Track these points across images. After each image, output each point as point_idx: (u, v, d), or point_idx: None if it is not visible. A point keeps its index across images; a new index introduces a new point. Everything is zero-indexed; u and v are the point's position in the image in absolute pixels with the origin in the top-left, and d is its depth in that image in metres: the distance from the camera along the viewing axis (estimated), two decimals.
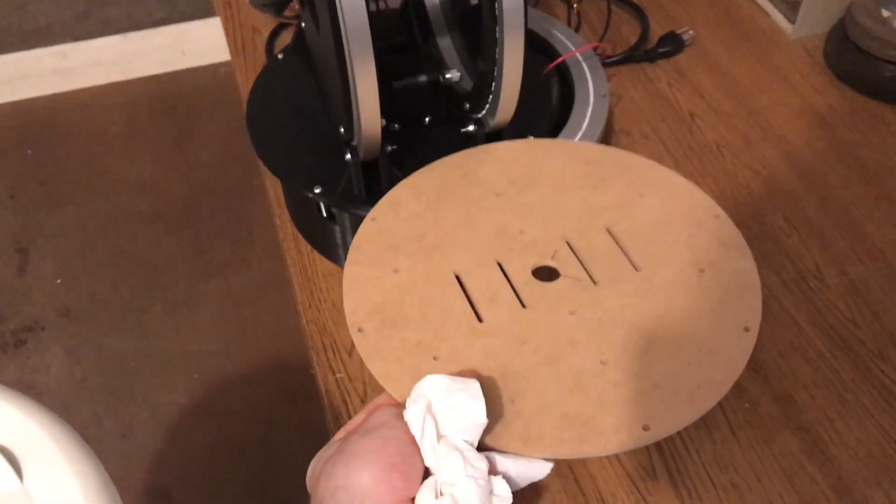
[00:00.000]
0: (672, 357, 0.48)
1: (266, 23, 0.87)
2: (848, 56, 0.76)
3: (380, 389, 0.49)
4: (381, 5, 0.66)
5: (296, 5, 0.70)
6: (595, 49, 0.75)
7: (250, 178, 1.70)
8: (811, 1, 0.79)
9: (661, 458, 0.52)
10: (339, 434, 0.46)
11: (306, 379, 1.34)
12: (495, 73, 0.57)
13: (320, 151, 0.65)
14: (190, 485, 1.28)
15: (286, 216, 0.69)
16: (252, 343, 1.45)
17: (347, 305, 0.52)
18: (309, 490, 0.44)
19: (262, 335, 1.46)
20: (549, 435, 0.45)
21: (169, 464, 1.30)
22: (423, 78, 0.64)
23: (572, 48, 0.74)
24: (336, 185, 0.62)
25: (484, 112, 0.61)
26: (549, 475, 0.45)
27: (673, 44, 0.80)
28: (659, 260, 0.53)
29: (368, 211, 0.58)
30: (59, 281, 1.57)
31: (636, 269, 0.53)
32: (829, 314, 0.59)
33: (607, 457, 0.52)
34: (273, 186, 0.71)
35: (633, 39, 0.82)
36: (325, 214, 0.65)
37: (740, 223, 0.56)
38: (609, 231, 0.55)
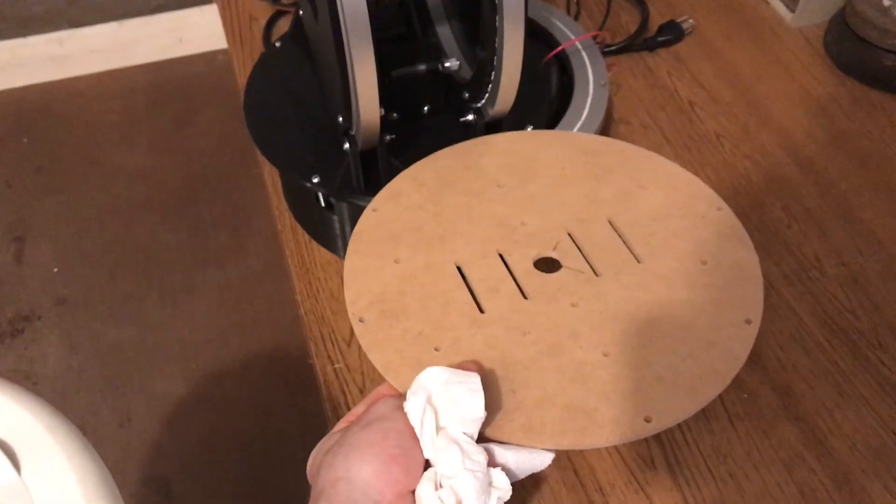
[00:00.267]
0: (673, 349, 0.48)
1: (263, 10, 0.86)
2: (848, 45, 0.75)
3: (379, 380, 0.49)
4: None
5: None
6: (595, 38, 0.75)
7: (248, 167, 1.69)
8: None
9: (659, 448, 0.52)
10: (340, 425, 0.46)
11: (304, 369, 1.34)
12: (495, 63, 0.56)
13: (318, 141, 0.65)
14: (188, 474, 1.28)
15: (284, 206, 0.69)
16: (250, 332, 1.45)
17: (348, 296, 0.51)
18: (309, 481, 0.44)
19: (259, 325, 1.46)
20: (551, 426, 0.45)
21: (167, 453, 1.30)
22: (421, 67, 0.64)
23: (572, 37, 0.74)
24: (334, 175, 0.62)
25: (483, 101, 0.60)
26: (548, 467, 0.45)
27: (673, 33, 0.80)
28: (660, 251, 0.53)
29: (367, 201, 0.57)
30: (55, 270, 1.57)
31: (638, 260, 0.53)
32: (828, 305, 0.59)
33: (606, 448, 0.52)
34: (271, 176, 0.71)
35: (633, 28, 0.81)
36: (322, 204, 0.64)
37: (739, 213, 0.56)
38: (610, 222, 0.55)
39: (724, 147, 0.70)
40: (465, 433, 0.42)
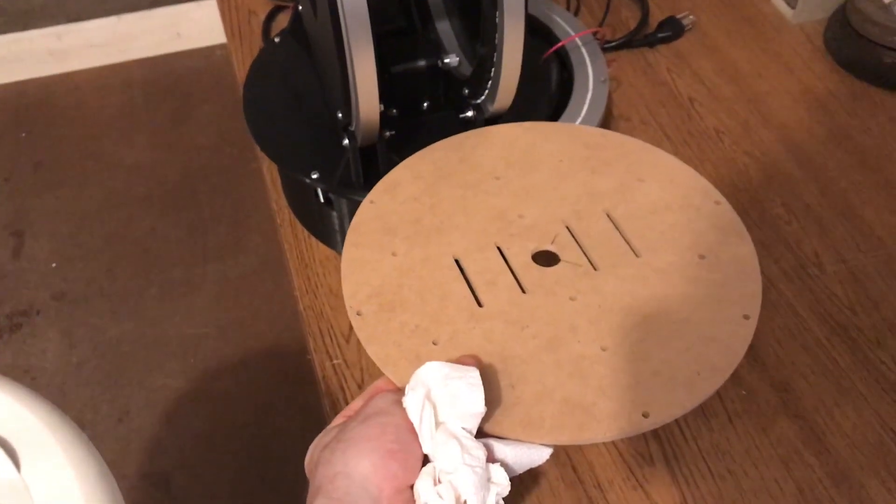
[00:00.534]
0: (672, 343, 0.48)
1: (262, 5, 0.86)
2: (848, 42, 0.75)
3: (377, 375, 0.49)
4: None
5: None
6: (595, 34, 0.75)
7: (247, 162, 1.69)
8: None
9: (658, 444, 0.52)
10: (338, 419, 0.46)
11: (303, 364, 1.34)
12: (495, 59, 0.56)
13: (317, 136, 0.65)
14: (187, 469, 1.28)
15: (283, 201, 0.69)
16: (249, 327, 1.45)
17: (346, 289, 0.51)
18: (307, 475, 0.44)
19: (258, 320, 1.46)
20: (550, 421, 0.45)
21: (165, 448, 1.30)
22: (421, 63, 0.64)
23: (572, 33, 0.73)
24: (333, 171, 0.62)
25: (483, 97, 0.60)
26: (546, 462, 0.45)
27: (673, 29, 0.80)
28: (659, 245, 0.53)
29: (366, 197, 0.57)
30: (54, 265, 1.57)
31: (636, 254, 0.53)
32: (827, 302, 0.59)
33: (604, 443, 0.52)
34: (270, 171, 0.71)
35: (633, 24, 0.81)
36: (322, 200, 0.64)
37: (739, 209, 0.56)
38: (609, 216, 0.55)
39: (724, 143, 0.70)
40: (464, 428, 0.42)
